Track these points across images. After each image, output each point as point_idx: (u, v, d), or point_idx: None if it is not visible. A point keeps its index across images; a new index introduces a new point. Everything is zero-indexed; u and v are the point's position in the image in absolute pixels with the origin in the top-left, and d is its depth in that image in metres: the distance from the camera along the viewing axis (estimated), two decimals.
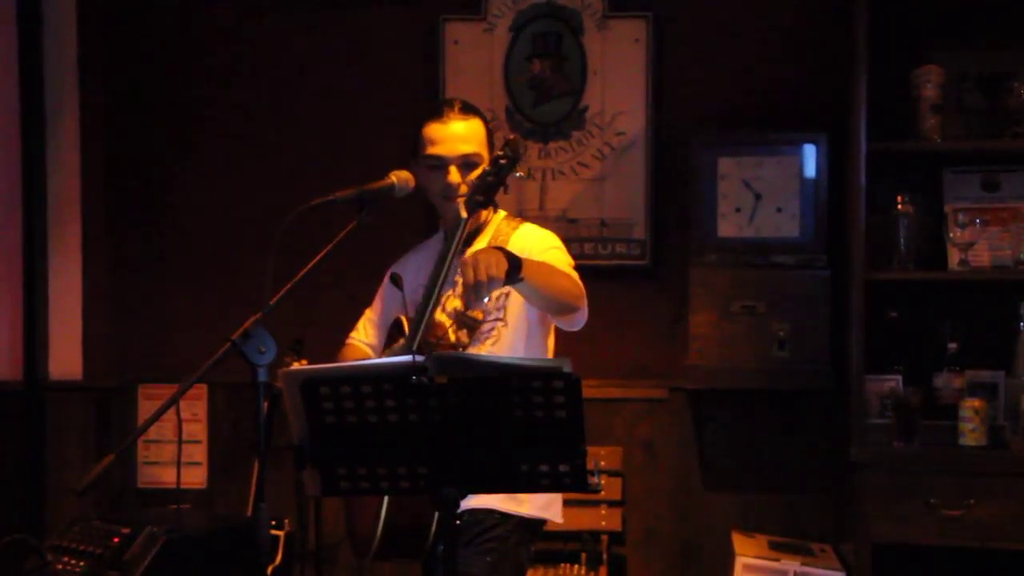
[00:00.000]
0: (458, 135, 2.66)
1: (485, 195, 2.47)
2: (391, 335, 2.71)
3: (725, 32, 3.95)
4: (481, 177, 2.49)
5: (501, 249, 2.37)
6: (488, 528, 2.62)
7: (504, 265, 2.29)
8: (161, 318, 4.22)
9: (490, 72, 4.04)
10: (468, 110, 2.71)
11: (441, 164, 2.67)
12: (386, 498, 2.47)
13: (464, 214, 2.48)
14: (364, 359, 2.79)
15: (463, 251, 2.66)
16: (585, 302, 2.58)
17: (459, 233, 2.49)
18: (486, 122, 2.75)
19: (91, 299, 4.21)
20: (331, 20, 4.13)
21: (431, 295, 2.48)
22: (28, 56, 4.13)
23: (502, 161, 2.47)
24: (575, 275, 2.62)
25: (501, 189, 2.48)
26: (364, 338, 2.90)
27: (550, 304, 2.53)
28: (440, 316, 2.55)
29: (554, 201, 4.01)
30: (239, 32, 4.19)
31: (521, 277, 2.35)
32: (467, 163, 2.67)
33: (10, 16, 4.11)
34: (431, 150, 2.67)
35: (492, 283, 2.28)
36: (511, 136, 2.51)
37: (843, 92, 3.60)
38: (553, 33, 4.02)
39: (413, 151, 2.73)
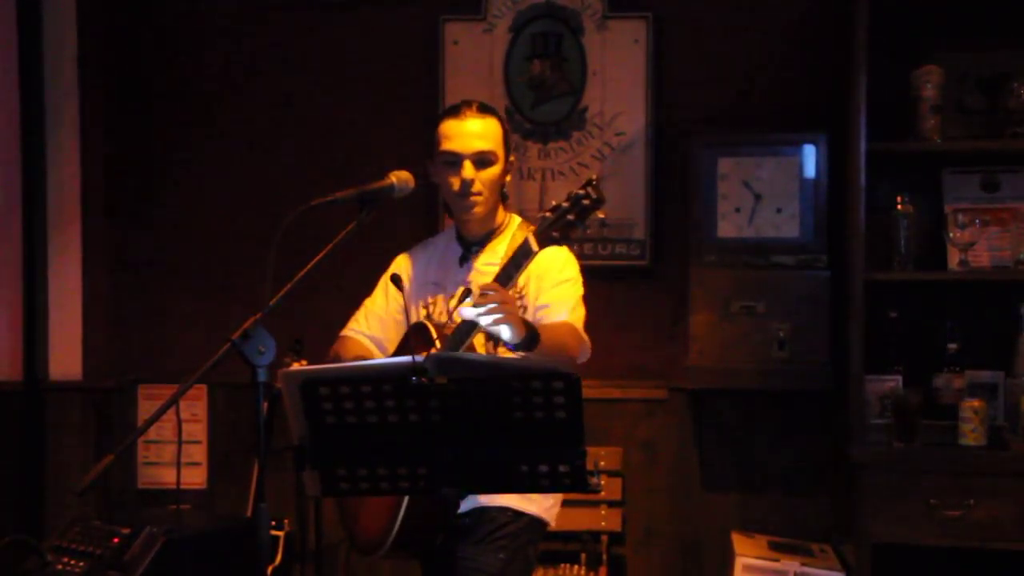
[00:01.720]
0: (474, 132, 2.67)
1: (562, 232, 2.44)
2: (417, 342, 2.65)
3: (725, 32, 3.95)
4: (559, 213, 2.45)
5: (527, 323, 2.42)
6: (501, 526, 2.64)
7: (519, 335, 2.38)
8: (161, 318, 4.22)
9: (490, 72, 4.04)
10: (485, 110, 2.73)
11: (456, 160, 2.68)
12: (406, 497, 2.48)
13: (535, 247, 2.46)
14: (364, 356, 2.79)
15: (476, 255, 2.73)
16: (581, 352, 2.63)
17: (525, 263, 2.48)
18: (503, 123, 2.76)
19: (91, 299, 4.21)
20: (331, 20, 4.13)
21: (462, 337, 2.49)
22: (28, 55, 4.13)
23: (584, 202, 2.42)
24: (580, 321, 2.65)
25: (580, 229, 2.44)
26: (364, 329, 2.87)
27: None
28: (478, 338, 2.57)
29: (554, 201, 3.98)
30: (239, 31, 4.19)
31: (528, 351, 2.42)
32: (482, 160, 2.67)
33: (10, 15, 4.11)
34: (446, 146, 2.69)
35: (493, 327, 2.36)
36: (595, 177, 2.45)
37: (843, 92, 3.60)
38: (553, 33, 4.02)
39: (431, 151, 2.74)
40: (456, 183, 2.68)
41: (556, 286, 2.66)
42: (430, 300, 2.79)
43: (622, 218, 3.97)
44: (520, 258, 2.49)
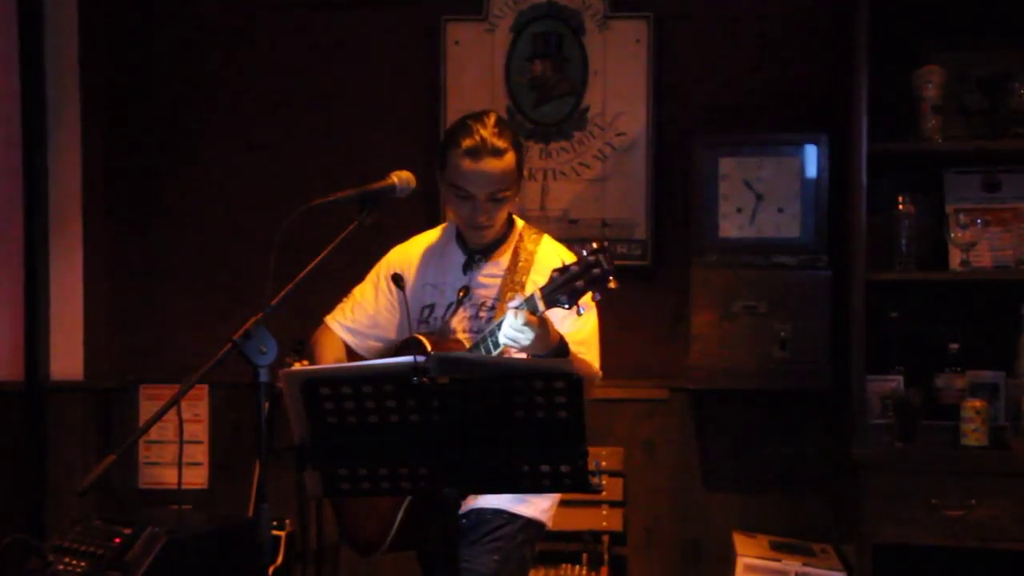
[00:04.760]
0: (491, 177, 2.60)
1: (569, 297, 2.32)
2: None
3: (725, 32, 3.95)
4: (568, 276, 2.31)
5: (561, 338, 2.45)
6: (495, 527, 2.64)
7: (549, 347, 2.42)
8: (162, 318, 4.22)
9: (491, 72, 4.04)
10: (500, 150, 2.60)
11: (468, 196, 2.64)
12: (407, 498, 2.49)
13: (542, 307, 2.36)
14: (337, 361, 2.78)
15: (480, 264, 2.72)
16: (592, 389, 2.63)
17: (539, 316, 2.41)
18: (518, 148, 2.67)
19: (92, 299, 4.21)
20: (332, 20, 4.13)
21: (486, 352, 2.50)
22: (29, 55, 4.13)
23: (595, 271, 2.27)
24: (597, 358, 2.66)
25: (590, 295, 2.31)
26: (349, 322, 2.85)
27: None
28: None
29: (555, 201, 4.01)
30: (240, 32, 4.18)
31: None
32: (495, 198, 2.64)
33: (11, 15, 4.11)
34: (460, 182, 2.63)
35: (520, 343, 2.39)
36: (605, 243, 2.30)
37: (844, 92, 3.60)
38: (554, 33, 4.02)
39: (441, 164, 2.69)
40: (468, 214, 2.66)
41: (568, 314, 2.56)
42: (427, 304, 2.78)
43: (623, 218, 3.97)
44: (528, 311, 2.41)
